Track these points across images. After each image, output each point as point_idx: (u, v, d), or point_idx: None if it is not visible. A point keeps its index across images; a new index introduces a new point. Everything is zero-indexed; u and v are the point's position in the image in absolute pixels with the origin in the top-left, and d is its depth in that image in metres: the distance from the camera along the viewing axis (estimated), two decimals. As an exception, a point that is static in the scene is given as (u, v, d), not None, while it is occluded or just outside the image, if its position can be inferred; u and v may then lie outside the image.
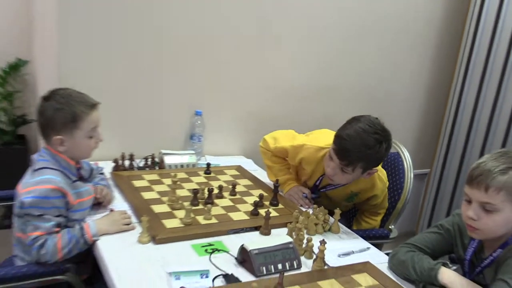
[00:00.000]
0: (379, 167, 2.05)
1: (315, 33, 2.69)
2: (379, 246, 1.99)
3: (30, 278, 1.56)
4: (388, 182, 2.16)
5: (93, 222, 1.64)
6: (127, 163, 2.22)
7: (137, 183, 2.05)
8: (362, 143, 1.80)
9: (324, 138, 2.07)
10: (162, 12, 2.28)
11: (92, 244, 1.61)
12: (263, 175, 2.37)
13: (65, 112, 1.61)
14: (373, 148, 1.81)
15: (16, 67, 3.10)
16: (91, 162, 1.95)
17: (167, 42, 2.33)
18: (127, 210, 1.81)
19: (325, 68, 2.76)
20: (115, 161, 2.19)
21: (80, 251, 1.61)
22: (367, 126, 1.83)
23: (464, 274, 1.56)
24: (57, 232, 1.58)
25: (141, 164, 2.28)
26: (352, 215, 2.33)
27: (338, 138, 1.87)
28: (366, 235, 2.03)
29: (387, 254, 1.74)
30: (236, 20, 2.46)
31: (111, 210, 1.80)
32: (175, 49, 2.36)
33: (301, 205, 2.06)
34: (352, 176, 1.91)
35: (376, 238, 2.11)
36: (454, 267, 1.70)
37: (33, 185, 1.56)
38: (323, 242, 1.57)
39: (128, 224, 1.70)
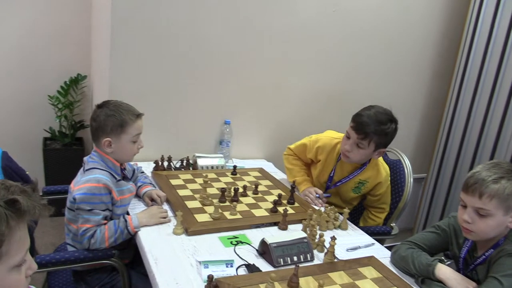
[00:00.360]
0: (383, 161, 2.09)
1: (332, 50, 2.63)
2: (382, 242, 1.91)
3: (81, 262, 1.55)
4: (389, 176, 2.12)
5: (135, 216, 1.62)
6: (165, 164, 2.19)
7: (174, 182, 2.03)
8: (377, 119, 1.88)
9: (334, 133, 2.17)
10: (197, 34, 2.25)
11: (134, 234, 1.59)
12: (281, 177, 2.33)
13: (115, 118, 1.60)
14: (385, 124, 1.88)
15: (76, 80, 3.13)
16: (132, 163, 1.94)
17: (202, 60, 2.30)
18: (164, 204, 1.79)
19: (331, 79, 2.68)
20: (156, 162, 2.16)
21: (123, 240, 1.59)
22: (381, 109, 1.94)
23: (458, 270, 1.48)
24: (105, 224, 1.56)
25: (178, 165, 2.25)
26: (359, 214, 2.26)
27: (356, 116, 1.93)
28: (371, 232, 1.97)
29: (389, 248, 1.68)
30: (264, 39, 2.41)
31: (151, 204, 1.78)
32: (208, 66, 2.32)
33: (315, 204, 2.01)
34: (366, 152, 1.92)
35: (379, 234, 2.05)
36: (449, 262, 1.63)
37: (83, 183, 1.55)
38: (333, 238, 1.52)
39: (164, 218, 1.67)
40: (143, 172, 1.97)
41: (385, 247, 1.74)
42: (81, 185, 1.55)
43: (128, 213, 1.69)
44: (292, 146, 2.23)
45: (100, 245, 1.53)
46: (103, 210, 1.56)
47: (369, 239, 1.77)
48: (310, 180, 2.17)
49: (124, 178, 1.72)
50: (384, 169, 2.08)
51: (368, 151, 1.92)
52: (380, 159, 2.07)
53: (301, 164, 2.21)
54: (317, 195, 2.05)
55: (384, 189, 2.09)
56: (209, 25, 2.26)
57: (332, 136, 2.13)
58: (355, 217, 2.24)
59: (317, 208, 1.94)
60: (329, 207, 1.88)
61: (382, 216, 2.15)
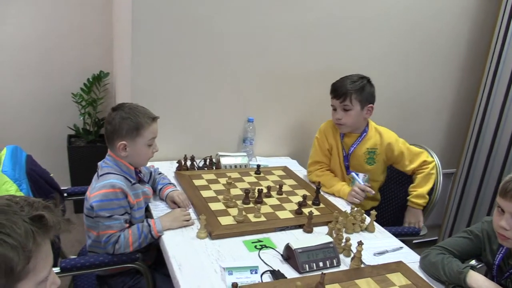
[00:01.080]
0: (380, 127, 2.18)
1: (356, 46, 2.57)
2: (409, 242, 1.88)
3: (106, 266, 1.56)
4: (397, 136, 2.16)
5: (158, 220, 1.62)
6: (188, 163, 2.19)
7: (197, 182, 2.02)
8: (348, 80, 2.09)
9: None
10: (219, 30, 2.23)
11: (157, 238, 1.59)
12: (306, 175, 2.29)
13: (131, 121, 1.59)
14: (358, 81, 2.08)
15: (99, 78, 3.16)
16: (149, 165, 1.93)
17: (224, 57, 2.28)
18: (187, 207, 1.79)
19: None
20: (179, 161, 2.17)
21: (147, 244, 1.60)
22: (349, 75, 2.13)
23: (492, 278, 1.43)
24: (128, 227, 1.57)
25: (201, 164, 2.25)
26: (385, 214, 2.22)
27: (331, 86, 2.15)
28: (399, 233, 1.93)
29: (417, 246, 1.63)
30: (287, 34, 2.37)
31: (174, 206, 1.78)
32: (230, 63, 2.30)
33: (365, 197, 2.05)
34: (354, 112, 2.08)
35: (407, 235, 2.00)
36: (480, 265, 1.59)
37: (99, 190, 1.55)
38: (360, 243, 1.49)
39: (187, 220, 1.67)
40: (161, 173, 1.97)
41: (414, 243, 1.70)
42: (96, 192, 1.55)
43: (151, 216, 1.70)
44: (309, 161, 2.27)
45: (125, 250, 1.54)
46: (122, 214, 1.57)
47: (397, 242, 1.73)
48: (341, 179, 2.18)
49: (140, 181, 1.72)
50: (388, 131, 2.17)
51: (356, 110, 2.08)
52: (384, 128, 2.17)
53: (323, 168, 2.23)
54: (361, 181, 2.08)
55: (399, 148, 2.11)
56: (231, 21, 2.23)
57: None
58: (381, 218, 2.20)
59: (343, 209, 1.91)
60: (355, 209, 1.84)
61: (423, 164, 2.11)
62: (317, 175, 2.19)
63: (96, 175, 1.65)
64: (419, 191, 2.08)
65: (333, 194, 2.11)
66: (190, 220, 1.68)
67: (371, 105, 2.11)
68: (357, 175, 2.11)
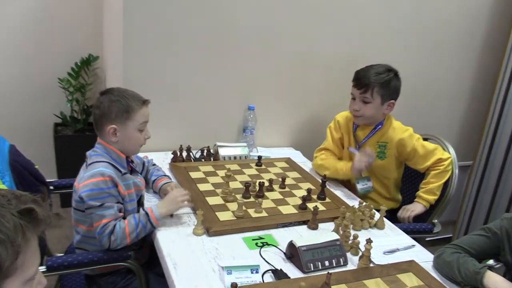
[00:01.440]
0: (396, 121, 2.16)
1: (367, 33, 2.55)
2: (422, 240, 1.88)
3: (96, 264, 1.56)
4: (413, 132, 2.14)
5: (155, 206, 1.61)
6: (184, 154, 2.18)
7: (194, 175, 2.02)
8: (374, 71, 2.06)
9: None
10: (217, 10, 2.21)
11: (156, 227, 1.59)
12: (311, 167, 2.30)
13: (121, 103, 1.61)
14: (384, 74, 2.05)
15: (87, 62, 3.14)
16: (142, 155, 1.93)
17: (223, 40, 2.27)
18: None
19: (370, 60, 2.60)
20: (174, 152, 2.16)
21: (146, 234, 1.59)
22: (378, 65, 2.10)
23: (510, 279, 1.43)
24: (123, 217, 1.57)
25: (198, 155, 2.25)
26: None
27: (355, 74, 2.12)
28: (410, 230, 1.93)
29: (430, 245, 1.63)
30: (292, 14, 2.36)
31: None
32: (230, 46, 2.29)
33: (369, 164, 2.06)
34: (374, 106, 2.06)
35: (420, 232, 2.00)
36: (498, 265, 1.58)
37: (88, 179, 1.55)
38: (369, 241, 1.49)
39: (186, 201, 1.66)
40: (155, 165, 1.97)
41: (427, 241, 1.70)
42: (85, 181, 1.55)
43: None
44: (318, 148, 2.30)
45: (122, 242, 1.53)
46: (115, 203, 1.57)
47: (408, 240, 1.73)
48: (348, 161, 2.19)
49: (132, 171, 1.72)
50: (402, 126, 2.15)
51: (376, 104, 2.06)
52: (398, 123, 2.15)
53: (327, 152, 2.26)
54: (354, 150, 2.14)
55: (412, 145, 2.10)
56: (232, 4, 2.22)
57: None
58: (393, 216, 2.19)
59: (351, 204, 1.91)
60: (364, 204, 1.84)
61: (438, 162, 2.10)
62: (321, 159, 2.21)
63: (84, 165, 1.65)
64: (429, 186, 2.08)
65: (337, 179, 2.14)
66: (189, 200, 1.68)
67: (393, 101, 2.09)
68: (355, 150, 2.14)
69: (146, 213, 1.58)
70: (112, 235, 1.52)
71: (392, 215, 2.05)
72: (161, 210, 1.60)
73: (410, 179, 2.34)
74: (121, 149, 1.65)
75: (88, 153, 1.66)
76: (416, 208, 2.08)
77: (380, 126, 2.13)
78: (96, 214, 1.54)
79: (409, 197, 2.25)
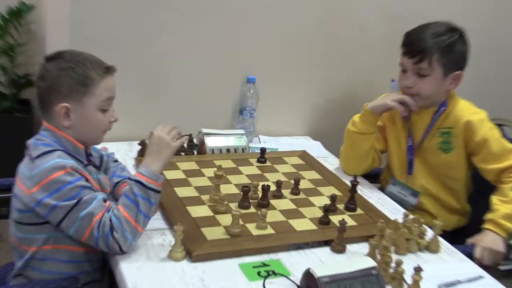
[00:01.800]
0: (463, 100, 2.18)
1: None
2: (493, 269, 1.89)
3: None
4: (486, 116, 2.14)
5: (143, 166, 1.61)
6: (157, 145, 2.19)
7: (170, 175, 2.03)
8: (432, 31, 2.06)
9: None
10: None
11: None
12: (335, 164, 2.32)
13: (75, 72, 1.59)
14: (445, 35, 2.06)
15: (19, 13, 3.13)
16: (98, 147, 1.91)
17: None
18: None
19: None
20: (142, 143, 2.16)
21: (154, 206, 1.60)
22: (436, 22, 2.12)
23: None
24: (110, 206, 1.57)
25: (175, 147, 2.25)
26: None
27: (404, 37, 2.13)
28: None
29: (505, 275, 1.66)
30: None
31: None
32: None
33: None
34: (433, 79, 2.07)
35: (489, 258, 2.01)
36: None
37: (43, 179, 1.53)
38: (418, 270, 1.50)
39: (178, 138, 1.69)
40: (117, 161, 1.96)
41: (501, 270, 1.78)
42: (40, 182, 1.53)
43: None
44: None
45: (132, 233, 1.54)
46: (95, 192, 1.58)
47: (474, 269, 1.74)
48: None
49: (94, 168, 1.73)
50: (471, 106, 2.17)
51: (435, 77, 2.07)
52: (466, 102, 2.16)
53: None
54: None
55: (482, 133, 2.08)
56: None
57: None
58: (453, 234, 2.20)
59: (392, 217, 1.92)
60: (411, 218, 1.84)
61: None
62: (353, 124, 2.23)
63: (27, 159, 1.64)
64: (509, 209, 2.02)
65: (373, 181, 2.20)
66: (183, 137, 1.73)
67: (459, 71, 2.10)
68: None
69: (138, 181, 1.57)
70: (114, 231, 1.52)
71: (454, 235, 2.05)
72: (153, 166, 1.60)
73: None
74: (77, 136, 1.64)
75: (30, 142, 1.64)
76: (491, 243, 1.97)
77: (443, 108, 2.13)
78: (81, 217, 1.52)
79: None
